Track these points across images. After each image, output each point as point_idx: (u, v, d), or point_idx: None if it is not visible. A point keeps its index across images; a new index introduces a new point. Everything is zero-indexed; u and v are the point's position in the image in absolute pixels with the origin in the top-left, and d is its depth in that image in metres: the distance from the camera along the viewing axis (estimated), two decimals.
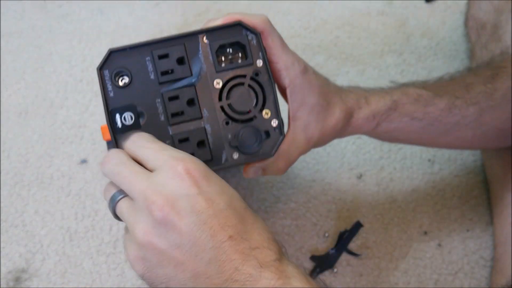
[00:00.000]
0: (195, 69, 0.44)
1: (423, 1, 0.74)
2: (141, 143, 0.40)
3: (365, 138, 0.64)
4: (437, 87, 0.51)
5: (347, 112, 0.48)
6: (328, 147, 0.63)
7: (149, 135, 0.41)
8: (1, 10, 0.71)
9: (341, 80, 0.68)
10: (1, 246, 0.57)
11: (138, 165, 0.39)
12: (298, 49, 0.70)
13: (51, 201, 0.60)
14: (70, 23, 0.71)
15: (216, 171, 0.41)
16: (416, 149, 0.64)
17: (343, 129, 0.49)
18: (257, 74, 0.45)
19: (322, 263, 0.57)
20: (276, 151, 0.45)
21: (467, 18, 0.69)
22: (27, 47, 0.69)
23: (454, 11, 0.73)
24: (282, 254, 0.37)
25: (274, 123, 0.45)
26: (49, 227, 0.58)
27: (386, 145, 0.64)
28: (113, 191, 0.40)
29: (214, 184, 0.37)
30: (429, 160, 0.63)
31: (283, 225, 0.59)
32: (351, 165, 0.63)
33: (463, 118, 0.50)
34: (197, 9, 0.72)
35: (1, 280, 0.56)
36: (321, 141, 0.49)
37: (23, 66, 0.68)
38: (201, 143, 0.44)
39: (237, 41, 0.45)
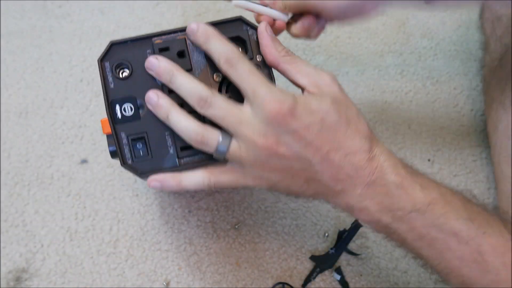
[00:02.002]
0: (195, 63, 0.45)
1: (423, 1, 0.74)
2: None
3: None
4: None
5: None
6: None
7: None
8: (1, 10, 0.71)
9: (341, 80, 0.68)
10: (2, 246, 0.57)
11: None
12: (298, 49, 0.70)
13: (51, 201, 0.60)
14: (70, 23, 0.71)
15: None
16: (416, 149, 0.63)
17: None
18: None
19: (322, 263, 0.57)
20: None
21: (483, 9, 0.67)
22: (27, 47, 0.69)
23: (454, 11, 0.73)
24: (372, 150, 0.44)
25: None
26: (49, 227, 0.58)
27: (387, 145, 0.63)
28: (215, 137, 0.42)
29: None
30: (429, 160, 0.63)
31: (283, 225, 0.59)
32: None
33: None
34: (197, 9, 0.72)
35: (2, 280, 0.56)
36: None
37: (23, 66, 0.68)
38: None
39: (237, 35, 0.45)
